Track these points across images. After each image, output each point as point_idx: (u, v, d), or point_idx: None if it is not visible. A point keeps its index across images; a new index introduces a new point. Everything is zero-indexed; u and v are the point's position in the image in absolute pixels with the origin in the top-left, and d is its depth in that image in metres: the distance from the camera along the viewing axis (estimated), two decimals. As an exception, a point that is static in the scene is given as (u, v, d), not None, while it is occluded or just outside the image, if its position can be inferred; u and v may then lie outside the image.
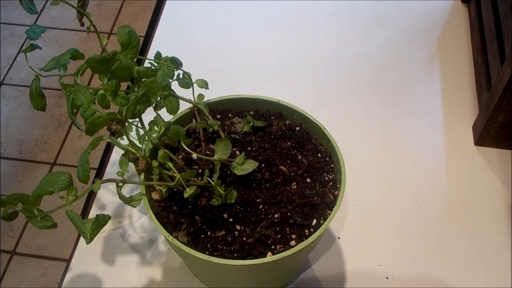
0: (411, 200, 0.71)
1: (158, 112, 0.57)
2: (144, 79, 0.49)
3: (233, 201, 0.55)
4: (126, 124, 0.48)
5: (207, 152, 0.59)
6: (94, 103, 0.45)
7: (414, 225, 0.69)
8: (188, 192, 0.52)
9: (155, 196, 0.56)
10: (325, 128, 0.60)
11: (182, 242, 0.52)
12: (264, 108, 0.64)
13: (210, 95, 0.62)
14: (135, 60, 0.48)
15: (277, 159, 0.58)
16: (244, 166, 0.55)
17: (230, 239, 0.53)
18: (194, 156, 0.59)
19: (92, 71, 0.45)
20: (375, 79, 0.86)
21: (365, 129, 0.79)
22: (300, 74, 0.86)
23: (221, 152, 0.54)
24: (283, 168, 0.57)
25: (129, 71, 0.46)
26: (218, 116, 0.63)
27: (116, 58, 0.45)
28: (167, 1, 0.96)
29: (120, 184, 0.52)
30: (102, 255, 0.66)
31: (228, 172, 0.57)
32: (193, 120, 0.62)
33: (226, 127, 0.61)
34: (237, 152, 0.59)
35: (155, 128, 0.57)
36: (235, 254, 0.52)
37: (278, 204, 0.56)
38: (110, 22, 1.99)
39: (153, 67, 0.52)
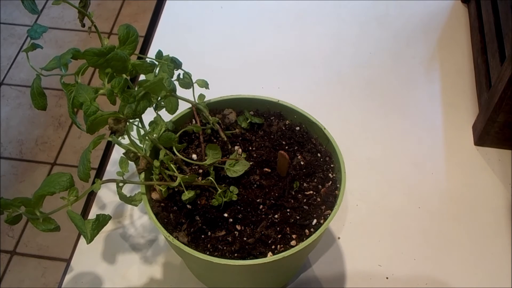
0: (411, 200, 0.71)
1: (158, 112, 0.57)
2: (145, 79, 0.49)
3: (234, 198, 0.55)
4: (127, 123, 0.48)
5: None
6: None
7: (414, 225, 0.69)
8: (187, 195, 0.53)
9: (154, 196, 0.56)
10: (325, 128, 0.60)
11: (183, 243, 0.52)
12: (264, 108, 0.64)
13: (210, 95, 0.62)
14: (135, 56, 0.48)
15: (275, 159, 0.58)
16: (236, 168, 0.56)
17: (230, 239, 0.53)
18: (194, 156, 0.59)
19: (88, 64, 0.45)
20: (375, 79, 0.86)
21: (365, 129, 0.79)
22: (300, 74, 0.87)
23: (212, 156, 0.55)
24: (283, 152, 0.57)
25: (124, 63, 0.46)
26: (219, 116, 0.63)
27: (114, 52, 0.45)
28: (167, 1, 0.96)
29: (121, 184, 0.52)
30: (103, 255, 0.66)
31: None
32: (193, 120, 0.62)
33: (220, 121, 0.61)
34: (239, 151, 0.59)
35: (157, 128, 0.57)
36: (236, 254, 0.53)
37: (278, 204, 0.56)
38: (110, 22, 1.99)
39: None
